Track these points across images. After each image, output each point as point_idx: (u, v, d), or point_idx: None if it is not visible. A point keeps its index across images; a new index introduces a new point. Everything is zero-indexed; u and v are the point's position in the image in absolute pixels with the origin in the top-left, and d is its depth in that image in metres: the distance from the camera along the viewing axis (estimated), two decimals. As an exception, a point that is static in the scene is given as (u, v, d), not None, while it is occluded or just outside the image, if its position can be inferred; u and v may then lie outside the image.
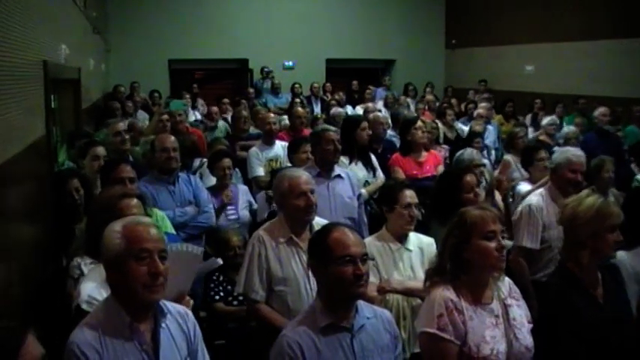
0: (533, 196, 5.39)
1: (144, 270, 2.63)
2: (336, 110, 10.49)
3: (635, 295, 3.85)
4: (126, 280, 2.63)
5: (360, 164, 6.71)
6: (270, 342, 3.05)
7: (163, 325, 2.77)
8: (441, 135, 9.62)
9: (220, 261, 4.94)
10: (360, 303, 3.08)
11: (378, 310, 3.23)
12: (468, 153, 6.27)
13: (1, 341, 1.98)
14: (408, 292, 4.15)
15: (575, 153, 5.38)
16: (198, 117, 12.83)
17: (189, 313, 2.99)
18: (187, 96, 14.15)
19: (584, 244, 3.40)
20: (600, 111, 9.68)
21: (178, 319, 2.88)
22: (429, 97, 13.95)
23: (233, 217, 6.34)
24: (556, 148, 6.77)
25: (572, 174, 5.17)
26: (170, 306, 2.88)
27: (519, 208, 5.32)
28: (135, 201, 3.61)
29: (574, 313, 3.28)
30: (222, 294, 5.31)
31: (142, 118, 11.71)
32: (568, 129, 8.92)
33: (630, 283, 3.89)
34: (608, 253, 3.51)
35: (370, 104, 12.76)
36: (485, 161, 6.77)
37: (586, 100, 12.48)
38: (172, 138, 5.94)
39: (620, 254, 3.90)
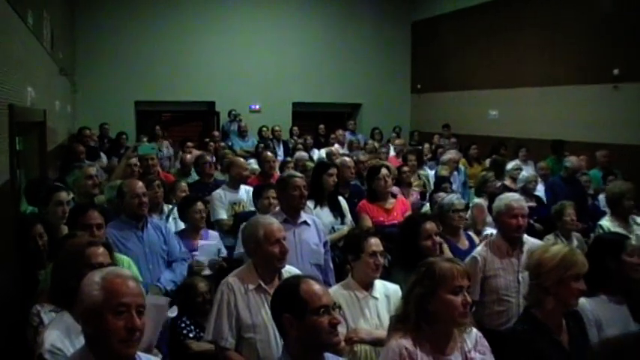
0: (479, 246, 5.43)
1: (121, 324, 2.58)
2: (299, 154, 10.57)
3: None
4: (102, 333, 2.59)
5: (326, 209, 6.74)
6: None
7: None
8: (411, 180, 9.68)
9: (175, 310, 4.89)
10: (327, 355, 3.08)
11: None
12: (449, 198, 6.28)
13: None
14: (376, 342, 4.13)
15: (513, 198, 5.38)
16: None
17: None
18: (145, 139, 13.92)
19: (549, 290, 3.47)
20: (572, 161, 9.83)
21: None
22: (398, 141, 14.06)
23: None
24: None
25: (513, 219, 5.14)
26: (144, 357, 2.85)
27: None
28: (101, 249, 3.59)
29: (541, 359, 3.31)
30: (194, 333, 5.25)
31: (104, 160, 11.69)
32: (527, 173, 9.13)
33: (591, 329, 3.94)
34: (572, 302, 3.54)
35: (333, 148, 12.83)
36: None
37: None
38: (140, 183, 5.92)
39: (582, 301, 3.94)
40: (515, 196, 5.54)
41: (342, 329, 4.16)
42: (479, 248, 5.36)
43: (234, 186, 7.68)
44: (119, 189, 5.88)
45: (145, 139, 13.74)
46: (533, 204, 8.12)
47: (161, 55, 16.88)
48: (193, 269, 6.02)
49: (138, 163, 8.28)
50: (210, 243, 6.40)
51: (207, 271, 6.13)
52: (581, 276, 3.51)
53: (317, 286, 3.03)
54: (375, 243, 4.43)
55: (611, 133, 12.49)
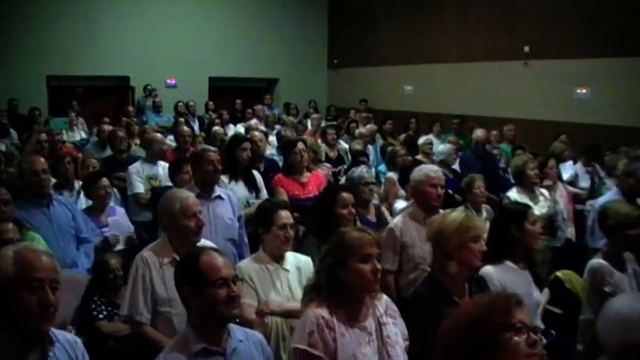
0: (396, 217, 5.54)
1: (34, 300, 2.53)
2: (214, 129, 10.62)
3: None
4: (14, 309, 2.53)
5: (241, 184, 6.74)
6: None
7: (51, 354, 2.68)
8: (323, 154, 9.75)
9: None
10: (232, 326, 3.10)
11: (249, 332, 3.25)
12: (359, 171, 6.37)
13: None
14: (287, 314, 4.18)
15: (432, 168, 5.55)
16: (84, 136, 12.54)
17: (78, 340, 2.91)
18: (73, 114, 13.69)
19: (451, 255, 3.62)
20: (477, 134, 10.03)
21: (67, 347, 2.79)
22: (315, 115, 14.15)
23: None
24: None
25: (432, 189, 5.27)
26: (59, 334, 2.80)
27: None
28: (10, 225, 3.54)
29: (440, 320, 3.43)
30: (105, 313, 5.23)
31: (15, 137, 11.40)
32: (444, 147, 9.29)
33: (496, 294, 4.11)
34: (474, 263, 3.69)
35: (252, 122, 12.87)
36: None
37: (463, 119, 13.04)
38: (42, 160, 5.66)
39: (487, 269, 4.11)
40: (434, 167, 5.71)
41: (252, 302, 4.21)
42: (396, 219, 5.46)
43: (152, 161, 7.66)
44: (19, 166, 5.69)
45: (73, 115, 13.46)
46: (450, 175, 8.23)
47: (74, 28, 16.38)
48: (110, 242, 5.97)
49: (47, 139, 8.08)
50: (121, 221, 6.39)
51: (121, 246, 6.12)
52: (480, 238, 3.69)
53: (219, 259, 3.04)
54: (285, 215, 4.46)
55: (521, 108, 12.90)
